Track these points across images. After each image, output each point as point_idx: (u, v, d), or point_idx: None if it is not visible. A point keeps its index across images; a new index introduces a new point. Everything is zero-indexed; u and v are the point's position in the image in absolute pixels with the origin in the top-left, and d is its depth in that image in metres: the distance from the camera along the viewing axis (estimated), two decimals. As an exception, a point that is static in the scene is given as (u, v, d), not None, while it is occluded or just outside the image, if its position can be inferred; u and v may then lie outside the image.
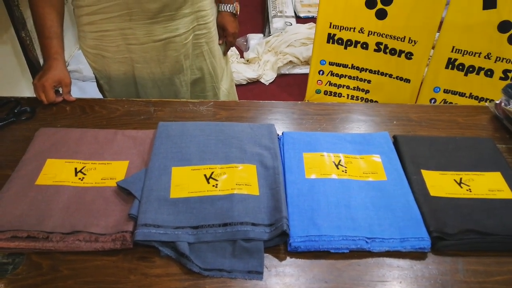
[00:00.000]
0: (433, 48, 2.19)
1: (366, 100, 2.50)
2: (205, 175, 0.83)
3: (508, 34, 1.97)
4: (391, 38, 2.22)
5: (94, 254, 0.73)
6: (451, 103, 2.24)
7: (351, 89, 2.49)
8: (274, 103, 1.13)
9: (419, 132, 1.03)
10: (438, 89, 2.22)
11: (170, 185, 0.81)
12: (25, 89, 2.21)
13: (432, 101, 2.27)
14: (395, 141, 0.97)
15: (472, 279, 0.71)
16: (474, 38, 2.03)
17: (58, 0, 1.10)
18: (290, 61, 3.02)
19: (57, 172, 0.86)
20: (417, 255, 0.74)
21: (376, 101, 2.47)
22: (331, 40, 2.34)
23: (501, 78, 2.07)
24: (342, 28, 2.28)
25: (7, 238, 0.72)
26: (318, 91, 2.57)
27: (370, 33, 2.24)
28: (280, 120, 1.06)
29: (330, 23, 2.28)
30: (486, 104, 1.12)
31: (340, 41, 2.33)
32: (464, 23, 2.01)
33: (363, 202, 0.82)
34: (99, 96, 1.33)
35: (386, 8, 2.15)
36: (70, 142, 0.93)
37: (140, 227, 0.73)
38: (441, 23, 2.09)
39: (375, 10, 2.17)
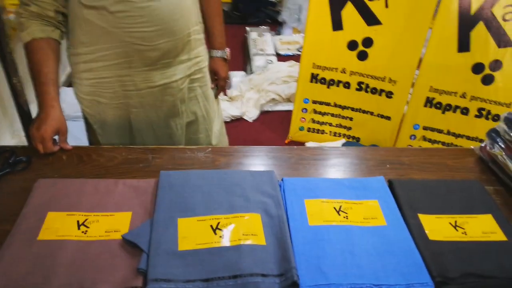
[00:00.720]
0: (412, 87, 2.28)
1: (349, 137, 2.56)
2: (211, 226, 0.84)
3: (481, 75, 2.08)
4: (372, 78, 2.31)
5: (102, 311, 0.72)
6: (430, 139, 2.32)
7: (333, 126, 2.56)
8: (271, 148, 1.15)
9: (412, 175, 1.07)
10: (417, 126, 2.31)
11: (177, 237, 0.81)
12: (8, 136, 2.19)
13: (412, 137, 2.35)
14: (391, 185, 1.01)
15: (477, 323, 0.73)
16: (450, 78, 2.14)
17: (55, 46, 1.11)
18: (273, 99, 3.08)
19: (59, 226, 0.85)
20: (422, 300, 0.76)
21: (358, 138, 2.54)
22: (314, 80, 2.42)
23: (476, 116, 2.18)
24: (325, 68, 2.36)
25: (13, 299, 0.71)
26: (301, 128, 2.62)
27: (352, 73, 2.33)
28: (278, 165, 1.08)
29: (313, 63, 2.36)
30: (472, 147, 1.18)
31: (323, 81, 2.41)
32: (441, 64, 2.12)
33: (366, 248, 0.84)
34: (83, 135, 1.34)
35: (367, 50, 2.25)
36: (70, 194, 0.93)
37: (151, 282, 0.73)
38: (419, 62, 2.20)
39: (356, 51, 2.27)
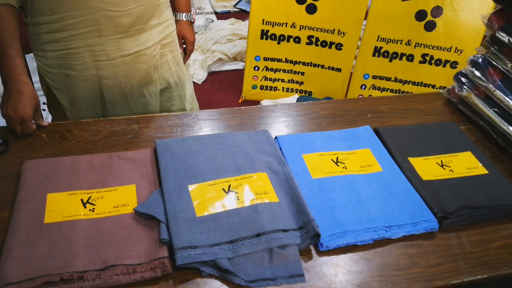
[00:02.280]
0: (360, 38, 2.35)
1: (301, 92, 2.61)
2: (223, 189, 0.84)
3: (424, 22, 2.19)
4: (322, 31, 2.34)
5: (133, 285, 0.71)
6: (379, 87, 2.43)
7: (286, 82, 2.59)
8: (255, 108, 1.16)
9: (392, 122, 1.13)
10: (367, 76, 2.40)
11: (192, 204, 0.81)
12: None
13: (363, 87, 2.45)
14: (377, 133, 1.06)
15: (477, 248, 0.82)
16: (396, 27, 2.22)
17: (15, 14, 1.01)
18: (219, 59, 3.03)
19: (63, 206, 0.81)
20: (427, 235, 0.83)
21: (310, 92, 2.60)
22: (264, 36, 2.40)
23: (420, 62, 2.30)
24: (274, 24, 2.35)
25: (39, 286, 0.67)
26: (254, 87, 2.62)
27: (301, 27, 2.35)
28: (268, 124, 1.09)
29: (263, 20, 2.34)
30: (440, 90, 1.26)
31: (273, 37, 2.40)
32: (386, 14, 2.19)
33: (370, 194, 0.89)
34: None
35: (315, 3, 2.26)
36: (65, 173, 0.88)
37: (179, 251, 0.72)
38: (367, 14, 2.26)
39: (305, 5, 2.28)
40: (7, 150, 0.95)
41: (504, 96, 1.03)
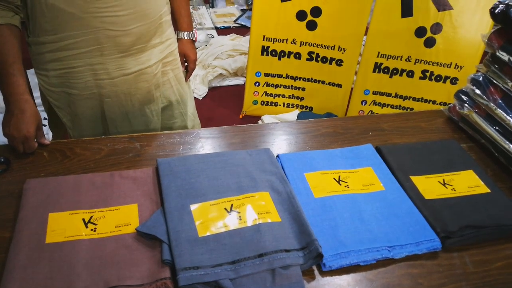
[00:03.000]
0: (360, 54, 2.37)
1: (302, 107, 2.62)
2: (225, 209, 0.84)
3: (424, 38, 2.21)
4: (322, 47, 2.36)
5: (134, 307, 0.70)
6: (379, 103, 2.44)
7: (286, 97, 2.60)
8: (257, 126, 1.16)
9: (394, 140, 1.13)
10: (368, 92, 2.41)
11: (194, 223, 0.81)
12: None
13: (363, 102, 2.46)
14: (379, 151, 1.06)
15: (480, 268, 0.81)
16: (396, 43, 2.24)
17: (17, 33, 1.02)
18: (220, 74, 3.05)
19: (65, 226, 0.80)
20: (430, 255, 0.83)
21: (311, 107, 2.61)
22: (265, 52, 2.42)
23: (420, 78, 2.32)
24: (275, 40, 2.37)
25: (40, 308, 0.67)
26: (255, 102, 2.64)
27: (302, 44, 2.37)
28: (269, 142, 1.10)
29: (264, 36, 2.36)
30: (441, 108, 1.27)
31: (274, 53, 2.42)
32: (386, 30, 2.21)
33: (372, 213, 0.89)
34: None
35: (315, 19, 2.28)
36: (66, 192, 0.87)
37: (181, 271, 0.72)
38: (367, 30, 2.28)
39: (305, 22, 2.30)
40: (8, 168, 0.95)
41: (505, 114, 1.04)
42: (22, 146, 0.97)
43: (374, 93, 2.42)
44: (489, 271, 0.81)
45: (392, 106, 2.44)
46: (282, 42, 2.37)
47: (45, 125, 1.83)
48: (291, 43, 2.37)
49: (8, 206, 0.86)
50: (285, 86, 2.55)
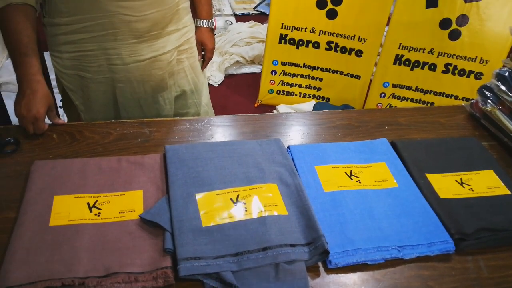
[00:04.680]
0: (381, 45, 2.31)
1: (318, 98, 2.58)
2: (231, 199, 0.82)
3: (448, 30, 2.13)
4: (342, 37, 2.30)
5: (134, 295, 0.69)
6: (399, 96, 2.38)
7: (303, 87, 2.56)
8: (269, 115, 1.13)
9: (411, 135, 1.09)
10: (387, 84, 2.35)
11: (199, 213, 0.79)
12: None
13: (382, 95, 2.40)
14: (394, 146, 1.02)
15: (495, 274, 0.77)
16: (418, 35, 2.17)
17: (33, 14, 1.00)
18: (237, 61, 3.02)
19: (69, 210, 0.79)
20: (442, 257, 0.80)
21: (328, 98, 2.56)
22: (283, 40, 2.38)
23: (443, 72, 2.24)
24: (293, 28, 2.32)
25: (40, 291, 0.66)
26: (271, 91, 2.60)
27: (321, 33, 2.31)
28: (281, 132, 1.07)
29: (282, 24, 2.32)
30: (463, 104, 1.22)
31: (292, 41, 2.37)
32: (409, 21, 2.14)
33: (384, 210, 0.86)
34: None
35: (336, 8, 2.22)
36: (73, 175, 0.87)
37: (182, 261, 0.70)
38: (389, 20, 2.21)
39: (325, 10, 2.24)
40: (17, 149, 0.95)
41: (530, 113, 0.99)
42: (32, 127, 0.96)
43: (394, 85, 2.35)
44: (506, 277, 0.77)
45: (412, 100, 2.37)
46: (301, 30, 2.32)
47: (61, 107, 1.83)
48: (310, 31, 2.32)
49: (15, 187, 0.85)
50: (302, 76, 2.50)
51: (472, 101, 1.19)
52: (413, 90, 2.34)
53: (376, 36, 2.27)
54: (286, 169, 0.90)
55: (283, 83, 2.55)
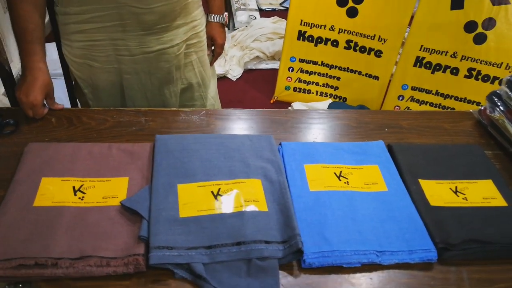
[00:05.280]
0: (402, 46, 2.25)
1: (335, 97, 2.54)
2: (212, 192, 0.82)
3: (473, 34, 2.06)
4: (361, 36, 2.26)
5: (105, 279, 0.70)
6: (418, 100, 2.32)
7: (320, 85, 2.53)
8: (266, 111, 1.12)
9: (411, 140, 1.06)
10: (406, 87, 2.30)
11: (178, 203, 0.79)
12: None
13: (400, 98, 2.34)
14: (390, 150, 1.00)
15: (477, 287, 0.74)
16: (441, 37, 2.11)
17: (42, 2, 1.03)
18: (257, 56, 3.01)
19: (54, 192, 0.81)
20: (423, 266, 0.77)
21: (345, 98, 2.52)
22: (301, 37, 2.35)
23: (465, 76, 2.17)
24: (313, 26, 2.30)
25: (14, 267, 0.68)
26: (287, 88, 2.58)
27: (340, 31, 2.28)
28: (276, 129, 1.06)
29: (301, 20, 2.29)
30: (471, 110, 1.17)
31: (310, 38, 2.35)
32: (432, 22, 2.08)
33: (368, 214, 0.84)
34: (62, 94, 1.27)
35: (357, 6, 2.18)
36: (63, 159, 0.88)
37: (154, 250, 0.71)
38: (411, 21, 2.16)
39: (346, 8, 2.20)
40: (16, 130, 0.98)
41: (535, 123, 0.94)
42: (31, 111, 0.99)
43: (413, 88, 2.29)
44: (487, 291, 0.74)
45: (431, 104, 2.31)
46: (320, 28, 2.29)
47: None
48: (330, 29, 2.28)
49: (9, 166, 0.88)
50: (319, 74, 2.47)
51: (481, 107, 1.14)
52: (433, 94, 2.28)
53: (397, 37, 2.21)
54: (272, 165, 0.90)
55: (300, 81, 2.53)
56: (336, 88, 2.50)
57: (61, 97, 1.32)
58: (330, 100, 2.52)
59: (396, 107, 2.37)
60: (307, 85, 2.53)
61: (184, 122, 1.05)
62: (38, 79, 0.99)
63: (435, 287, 0.74)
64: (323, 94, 2.55)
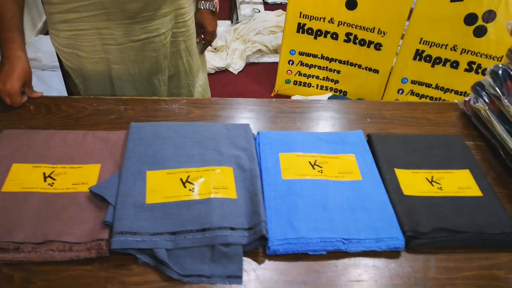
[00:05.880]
0: (401, 39, 2.22)
1: (335, 90, 2.52)
2: (181, 179, 0.82)
3: (474, 26, 2.02)
4: (361, 28, 2.24)
5: (68, 264, 0.70)
6: (418, 94, 2.29)
7: (320, 79, 2.51)
8: (248, 100, 1.12)
9: (392, 130, 1.05)
10: (406, 80, 2.27)
11: (145, 190, 0.79)
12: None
13: (400, 91, 2.32)
14: (369, 139, 0.99)
15: (443, 275, 0.73)
16: (441, 30, 2.07)
17: None
18: (259, 50, 3.00)
19: (24, 177, 0.82)
20: (391, 254, 0.76)
21: (345, 91, 2.50)
22: (301, 30, 2.34)
23: (466, 70, 2.14)
24: (312, 18, 2.28)
25: (-25, 251, 0.69)
26: (287, 81, 2.57)
27: (340, 23, 2.26)
28: (255, 118, 1.05)
29: (300, 13, 2.28)
30: (456, 101, 1.15)
31: (310, 31, 2.33)
32: (432, 15, 2.05)
33: (340, 202, 0.83)
34: (61, 86, 1.28)
35: (356, -2, 2.16)
36: (36, 145, 0.89)
37: (116, 235, 0.71)
38: (410, 13, 2.13)
39: (345, 0, 2.18)
40: (-6, 118, 0.99)
41: (516, 112, 0.92)
42: (8, 99, 1.00)
43: (413, 82, 2.27)
44: (454, 280, 0.73)
45: (431, 98, 2.28)
46: (319, 20, 2.27)
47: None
48: (329, 22, 2.27)
49: (-16, 153, 0.89)
50: (319, 67, 2.46)
51: (466, 98, 1.12)
52: (433, 87, 2.25)
53: (397, 30, 2.19)
54: (246, 154, 0.89)
55: (300, 74, 2.52)
56: (336, 82, 2.49)
57: (60, 88, 1.32)
58: (329, 94, 2.51)
59: (396, 100, 2.34)
60: (307, 78, 2.52)
61: (163, 111, 1.05)
62: (17, 68, 0.99)
63: (402, 275, 0.73)
64: (324, 88, 2.54)
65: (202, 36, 1.41)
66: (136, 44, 1.14)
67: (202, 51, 1.42)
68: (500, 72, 1.01)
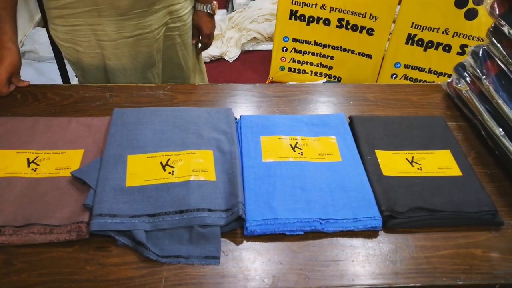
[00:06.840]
0: (393, 23, 2.21)
1: (330, 76, 2.52)
2: (161, 163, 0.83)
3: (464, 9, 2.01)
4: (353, 14, 2.23)
5: (49, 246, 0.72)
6: (411, 78, 2.29)
7: (314, 65, 2.51)
8: (233, 85, 1.12)
9: (375, 112, 1.06)
10: (398, 65, 2.27)
11: (125, 173, 0.80)
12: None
13: (393, 76, 2.31)
14: (351, 121, 0.99)
15: (420, 254, 0.74)
16: (432, 13, 2.06)
17: None
18: (254, 38, 2.99)
19: (8, 163, 0.83)
20: (369, 234, 0.77)
21: (339, 77, 2.50)
22: (293, 17, 2.33)
23: (458, 53, 2.13)
24: (304, 4, 2.27)
25: (-43, 235, 0.70)
26: (282, 68, 2.57)
27: (332, 9, 2.25)
28: (239, 103, 1.06)
29: (292, 0, 2.26)
30: (439, 83, 1.16)
31: (302, 18, 2.33)
32: (423, -1, 2.04)
33: (318, 183, 0.84)
34: (57, 76, 1.29)
35: (347, -17, 2.15)
36: (21, 132, 0.90)
37: (96, 217, 0.72)
38: (400, -1, 2.12)
39: (336, -15, 2.17)
40: (-19, 106, 1.00)
41: (495, 92, 0.92)
42: None
43: (406, 66, 2.26)
44: (430, 258, 0.74)
45: (425, 82, 2.27)
46: (311, 6, 2.26)
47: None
48: (321, 8, 2.26)
49: (-31, 140, 0.90)
50: (313, 54, 2.45)
51: (449, 79, 1.13)
52: (426, 72, 2.24)
53: (388, 14, 2.18)
54: (226, 137, 0.90)
55: (294, 61, 2.52)
56: (330, 68, 2.48)
57: (56, 79, 1.33)
58: (324, 80, 2.51)
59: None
60: (301, 65, 2.52)
61: (147, 97, 1.06)
62: (6, 59, 1.01)
63: (378, 254, 0.74)
64: (318, 74, 2.53)
65: (199, 38, 1.38)
66: (129, 40, 1.14)
67: (198, 53, 1.41)
68: (480, 52, 1.01)
